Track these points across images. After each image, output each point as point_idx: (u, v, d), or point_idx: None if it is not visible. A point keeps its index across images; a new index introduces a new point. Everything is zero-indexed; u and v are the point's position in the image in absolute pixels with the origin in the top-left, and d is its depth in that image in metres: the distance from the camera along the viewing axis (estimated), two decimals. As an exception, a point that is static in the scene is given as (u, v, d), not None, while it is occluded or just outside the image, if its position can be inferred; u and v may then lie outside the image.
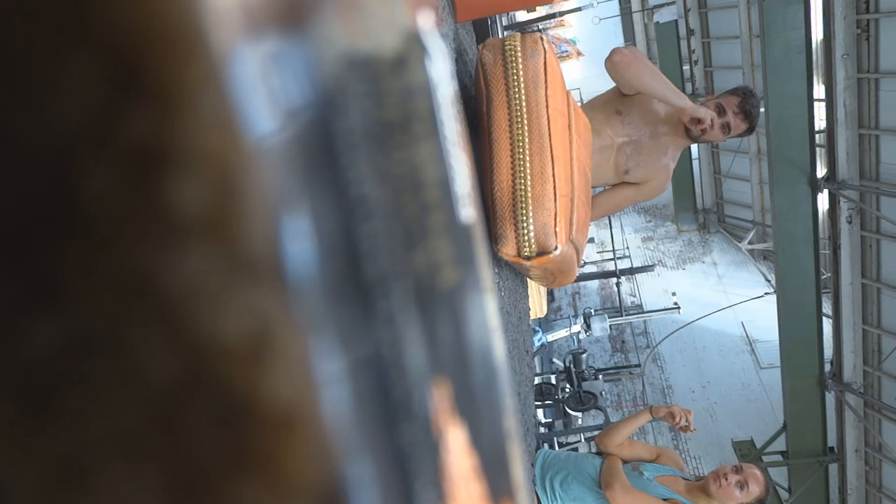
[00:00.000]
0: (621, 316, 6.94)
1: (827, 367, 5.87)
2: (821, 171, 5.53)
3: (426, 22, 0.22)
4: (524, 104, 1.23)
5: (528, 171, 1.21)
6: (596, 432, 4.02)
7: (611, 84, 1.98)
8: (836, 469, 6.30)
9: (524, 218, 1.21)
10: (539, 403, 5.08)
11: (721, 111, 1.88)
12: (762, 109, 5.13)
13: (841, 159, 5.41)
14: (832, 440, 6.10)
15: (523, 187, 1.21)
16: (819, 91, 5.61)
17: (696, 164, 9.61)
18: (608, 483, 1.81)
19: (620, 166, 1.94)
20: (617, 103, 1.93)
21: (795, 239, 5.25)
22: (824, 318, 5.80)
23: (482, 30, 2.08)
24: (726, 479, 1.82)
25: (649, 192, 2.01)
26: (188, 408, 0.12)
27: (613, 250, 8.23)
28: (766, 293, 8.14)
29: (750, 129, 1.92)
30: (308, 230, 0.13)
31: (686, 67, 9.11)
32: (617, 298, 7.38)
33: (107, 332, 0.11)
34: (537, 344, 4.30)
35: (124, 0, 0.11)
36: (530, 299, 1.90)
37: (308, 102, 0.14)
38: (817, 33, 5.33)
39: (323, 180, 0.14)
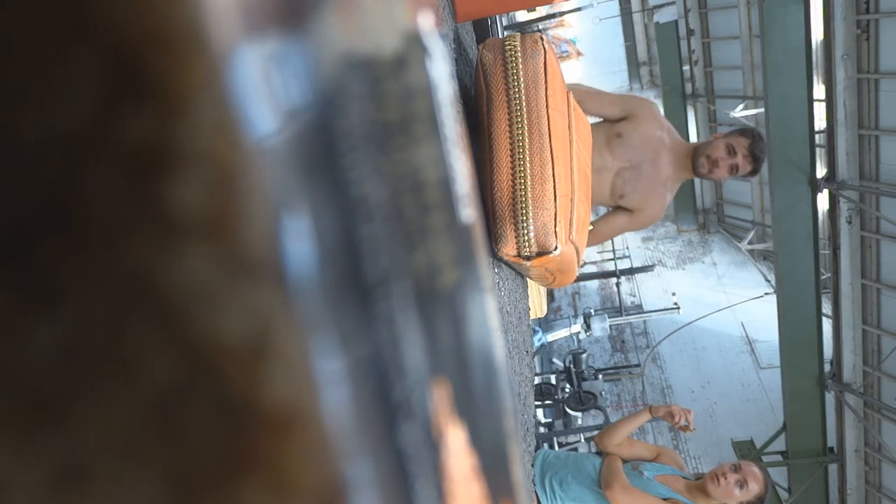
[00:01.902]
0: (621, 316, 6.94)
1: (827, 368, 5.87)
2: (821, 172, 5.53)
3: (426, 22, 0.22)
4: (524, 104, 1.23)
5: (528, 171, 1.21)
6: (596, 432, 4.02)
7: (612, 84, 1.99)
8: (836, 469, 6.30)
9: (524, 218, 1.21)
10: (539, 403, 5.08)
11: (731, 151, 1.92)
12: (763, 110, 5.14)
13: (841, 159, 5.41)
14: (832, 440, 6.09)
15: (523, 187, 1.21)
16: (819, 91, 5.61)
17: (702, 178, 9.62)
18: (608, 483, 1.81)
19: (617, 189, 1.95)
20: (618, 126, 1.93)
21: (795, 239, 5.25)
22: (824, 318, 5.80)
23: (482, 30, 2.08)
24: (725, 478, 1.82)
25: (643, 220, 2.04)
26: (188, 408, 0.12)
27: (613, 250, 8.23)
28: (765, 293, 8.14)
29: (754, 172, 1.97)
30: (308, 231, 0.13)
31: (686, 67, 9.11)
32: (617, 298, 7.38)
33: (106, 332, 0.11)
34: (537, 344, 4.30)
35: (125, 1, 0.11)
36: (530, 299, 1.90)
37: (308, 103, 0.14)
38: (817, 33, 5.33)
39: (323, 181, 0.14)
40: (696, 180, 10.02)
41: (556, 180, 1.23)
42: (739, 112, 7.80)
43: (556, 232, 1.23)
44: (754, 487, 1.81)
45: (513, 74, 1.24)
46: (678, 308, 6.85)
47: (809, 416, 5.84)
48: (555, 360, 6.44)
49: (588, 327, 4.87)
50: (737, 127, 2.21)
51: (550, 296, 6.97)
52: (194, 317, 0.12)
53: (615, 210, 2.03)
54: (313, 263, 0.13)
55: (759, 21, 5.17)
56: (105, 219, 0.11)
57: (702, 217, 10.36)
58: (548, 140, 1.23)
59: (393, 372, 0.16)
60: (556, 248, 1.23)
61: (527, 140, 1.22)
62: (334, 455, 0.13)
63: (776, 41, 4.83)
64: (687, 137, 8.24)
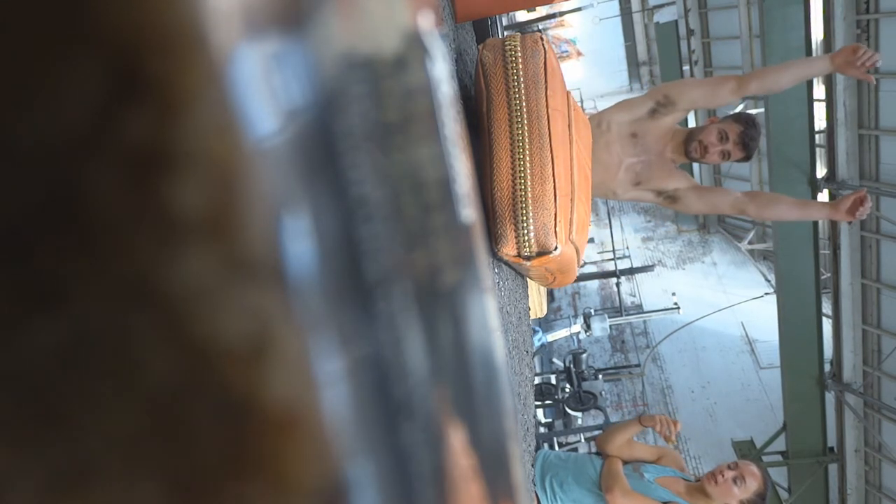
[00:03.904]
0: (621, 316, 6.93)
1: (827, 367, 5.87)
2: (821, 171, 5.53)
3: (426, 22, 0.22)
4: (524, 104, 1.23)
5: (528, 170, 1.21)
6: (596, 432, 4.03)
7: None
8: (836, 469, 6.30)
9: (524, 218, 1.21)
10: (539, 403, 5.08)
11: (723, 137, 1.93)
12: (763, 109, 5.14)
13: (841, 159, 5.41)
14: (832, 440, 6.09)
15: (523, 187, 1.21)
16: (819, 91, 5.60)
17: (695, 163, 9.63)
18: (608, 486, 1.81)
19: (631, 181, 1.98)
20: (635, 126, 1.95)
21: (795, 239, 5.25)
22: (824, 318, 5.80)
23: (482, 30, 2.08)
24: (723, 476, 1.82)
25: (692, 186, 2.05)
26: (188, 408, 0.12)
27: (613, 250, 8.22)
28: (766, 293, 8.14)
29: (746, 158, 1.98)
30: (308, 231, 0.13)
31: (686, 67, 9.11)
32: (617, 298, 7.38)
33: (107, 333, 0.11)
34: (537, 344, 4.30)
35: (125, 1, 0.11)
36: (530, 299, 1.90)
37: (308, 103, 0.14)
38: (817, 33, 5.33)
39: (323, 181, 0.14)
40: (696, 180, 10.03)
41: (556, 180, 1.23)
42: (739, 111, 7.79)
43: (556, 232, 1.23)
44: (752, 484, 1.81)
45: (513, 74, 1.24)
46: (678, 308, 6.84)
47: (809, 416, 5.85)
48: (555, 360, 6.44)
49: (588, 327, 4.86)
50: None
51: (550, 296, 6.96)
52: (195, 317, 0.12)
53: (679, 192, 2.03)
54: (313, 264, 0.13)
55: (759, 21, 5.17)
56: (106, 219, 0.11)
57: (702, 217, 10.35)
58: (548, 140, 1.23)
59: (393, 372, 0.16)
60: (556, 247, 1.23)
61: (527, 140, 1.22)
62: (334, 455, 0.13)
63: (776, 41, 4.83)
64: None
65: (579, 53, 12.75)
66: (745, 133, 1.92)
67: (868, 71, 1.76)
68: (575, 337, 5.61)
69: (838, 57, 1.78)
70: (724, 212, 2.12)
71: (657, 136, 1.95)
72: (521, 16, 8.93)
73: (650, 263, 9.37)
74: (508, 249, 1.23)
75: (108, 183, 0.11)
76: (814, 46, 5.22)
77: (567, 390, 5.30)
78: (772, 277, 7.59)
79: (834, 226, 5.68)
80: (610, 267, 8.17)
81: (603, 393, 5.45)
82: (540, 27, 10.02)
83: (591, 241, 8.72)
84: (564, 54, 12.41)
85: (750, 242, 9.11)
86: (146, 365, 0.12)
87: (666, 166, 1.99)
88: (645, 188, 2.00)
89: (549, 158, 1.22)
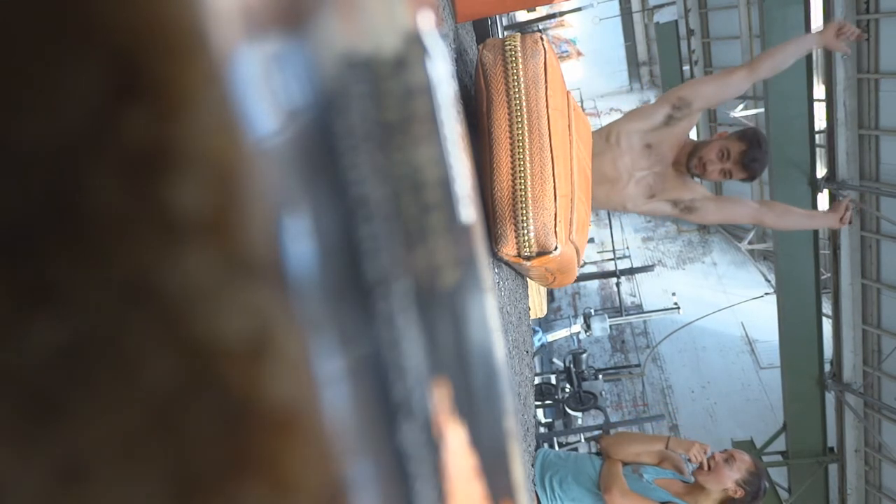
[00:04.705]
0: (621, 316, 6.93)
1: (827, 368, 5.87)
2: (821, 171, 5.53)
3: (426, 22, 0.22)
4: (524, 104, 1.23)
5: (528, 171, 1.21)
6: (596, 432, 4.02)
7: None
8: (836, 469, 6.30)
9: (524, 218, 1.21)
10: (539, 403, 5.08)
11: (724, 155, 1.86)
12: (763, 110, 5.13)
13: (841, 159, 5.41)
14: (832, 440, 6.10)
15: (523, 187, 1.21)
16: (819, 91, 5.60)
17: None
18: (607, 487, 1.81)
19: (644, 193, 1.94)
20: (650, 136, 1.89)
21: (795, 239, 5.25)
22: (824, 318, 5.80)
23: (482, 30, 2.08)
24: (714, 460, 1.86)
25: (707, 196, 2.03)
26: (188, 409, 0.12)
27: (613, 250, 8.22)
28: (766, 293, 8.15)
29: (749, 178, 1.91)
30: (308, 231, 0.13)
31: (686, 67, 9.11)
32: (617, 298, 7.37)
33: (107, 333, 0.11)
34: (537, 344, 4.29)
35: (125, 2, 0.11)
36: (530, 299, 1.90)
37: (308, 103, 0.14)
38: (817, 33, 5.32)
39: (323, 181, 0.14)
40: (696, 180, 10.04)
41: (556, 180, 1.23)
42: (739, 112, 7.80)
43: (556, 232, 1.23)
44: (743, 464, 1.84)
45: (513, 74, 1.24)
46: (678, 308, 6.84)
47: (809, 416, 5.85)
48: (555, 360, 6.43)
49: (588, 327, 4.86)
50: (739, 127, 2.18)
51: (550, 296, 6.96)
52: (194, 317, 0.12)
53: (701, 202, 1.99)
54: (313, 263, 0.13)
55: (759, 21, 5.18)
56: (106, 220, 0.11)
57: (702, 217, 10.33)
58: (548, 140, 1.23)
59: (393, 372, 0.16)
60: (556, 248, 1.23)
61: (527, 140, 1.22)
62: (334, 455, 0.13)
63: (776, 41, 4.83)
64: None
65: (579, 53, 12.74)
66: (747, 153, 1.85)
67: (849, 44, 1.92)
68: (575, 337, 5.61)
69: (826, 33, 1.90)
70: (741, 221, 2.07)
71: (673, 144, 1.89)
72: (521, 16, 8.93)
73: (650, 263, 9.37)
74: (508, 249, 1.23)
75: (108, 183, 0.11)
76: (814, 46, 5.21)
77: (567, 390, 5.30)
78: (772, 277, 7.59)
79: (834, 226, 5.67)
80: (610, 267, 8.17)
81: (603, 393, 5.45)
82: (540, 27, 10.02)
83: (591, 241, 8.72)
84: (564, 54, 12.40)
85: (750, 242, 9.10)
86: (146, 365, 0.12)
87: (681, 176, 1.93)
88: (661, 199, 1.93)
89: (549, 158, 1.22)
